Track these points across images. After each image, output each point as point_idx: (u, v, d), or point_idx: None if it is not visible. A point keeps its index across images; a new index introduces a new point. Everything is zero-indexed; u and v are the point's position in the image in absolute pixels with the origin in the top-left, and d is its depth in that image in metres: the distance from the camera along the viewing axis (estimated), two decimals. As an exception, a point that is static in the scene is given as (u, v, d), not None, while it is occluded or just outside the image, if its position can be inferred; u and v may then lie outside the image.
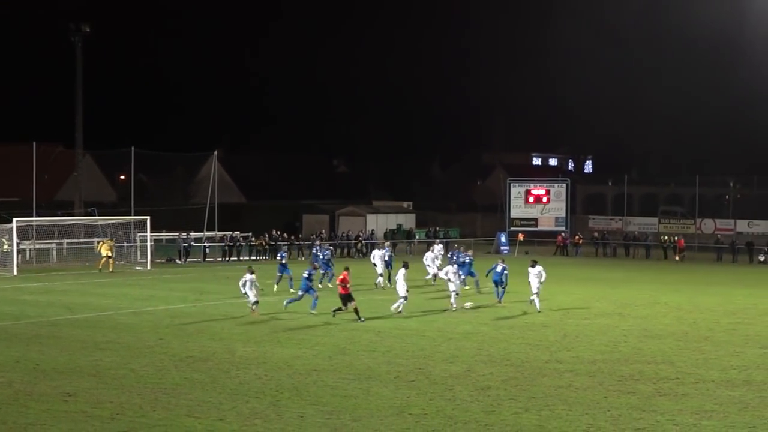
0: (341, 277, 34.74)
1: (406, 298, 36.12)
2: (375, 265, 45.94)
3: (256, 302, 34.67)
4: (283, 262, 44.45)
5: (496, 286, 39.46)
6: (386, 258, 46.10)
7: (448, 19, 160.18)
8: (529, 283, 37.50)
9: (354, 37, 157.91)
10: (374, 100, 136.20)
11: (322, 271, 43.42)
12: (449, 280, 37.98)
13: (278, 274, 43.50)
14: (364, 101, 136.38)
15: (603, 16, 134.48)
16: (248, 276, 34.59)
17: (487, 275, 41.15)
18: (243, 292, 34.83)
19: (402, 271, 36.58)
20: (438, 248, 49.86)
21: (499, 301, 39.07)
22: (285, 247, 51.07)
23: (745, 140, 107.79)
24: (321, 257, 45.01)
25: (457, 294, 37.76)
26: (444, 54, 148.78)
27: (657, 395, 22.63)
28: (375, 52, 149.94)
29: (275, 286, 42.82)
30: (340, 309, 34.40)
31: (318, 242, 52.18)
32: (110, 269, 53.68)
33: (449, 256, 46.29)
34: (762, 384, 24.02)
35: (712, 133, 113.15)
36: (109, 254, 54.25)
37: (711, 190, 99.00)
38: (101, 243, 55.79)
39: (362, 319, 33.81)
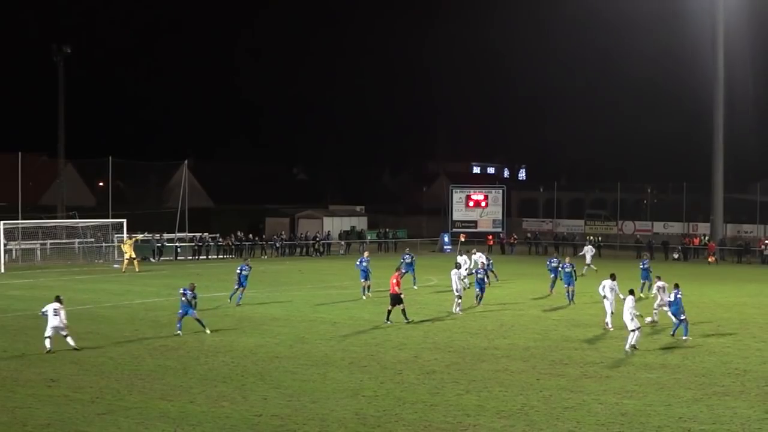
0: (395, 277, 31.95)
1: (460, 297, 34.84)
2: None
3: (66, 335, 25.99)
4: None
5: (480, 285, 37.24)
6: (363, 266, 39.68)
7: (395, 40, 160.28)
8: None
9: (315, 57, 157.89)
10: (331, 115, 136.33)
11: (237, 286, 36.38)
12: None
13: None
14: (321, 115, 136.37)
15: (536, 39, 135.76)
16: (53, 305, 26.09)
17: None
18: (43, 314, 26.25)
19: (455, 271, 35.21)
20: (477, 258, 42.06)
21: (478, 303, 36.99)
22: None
23: (662, 150, 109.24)
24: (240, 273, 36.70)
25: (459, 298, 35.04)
26: (393, 73, 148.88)
27: (584, 377, 22.82)
28: (331, 72, 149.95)
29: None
30: (390, 312, 31.68)
31: (246, 261, 40.18)
32: (137, 269, 52.34)
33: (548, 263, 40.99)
34: (676, 367, 24.30)
35: (633, 144, 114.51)
36: (133, 255, 53.24)
37: (631, 195, 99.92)
38: (122, 243, 54.86)
39: (408, 320, 31.50)
